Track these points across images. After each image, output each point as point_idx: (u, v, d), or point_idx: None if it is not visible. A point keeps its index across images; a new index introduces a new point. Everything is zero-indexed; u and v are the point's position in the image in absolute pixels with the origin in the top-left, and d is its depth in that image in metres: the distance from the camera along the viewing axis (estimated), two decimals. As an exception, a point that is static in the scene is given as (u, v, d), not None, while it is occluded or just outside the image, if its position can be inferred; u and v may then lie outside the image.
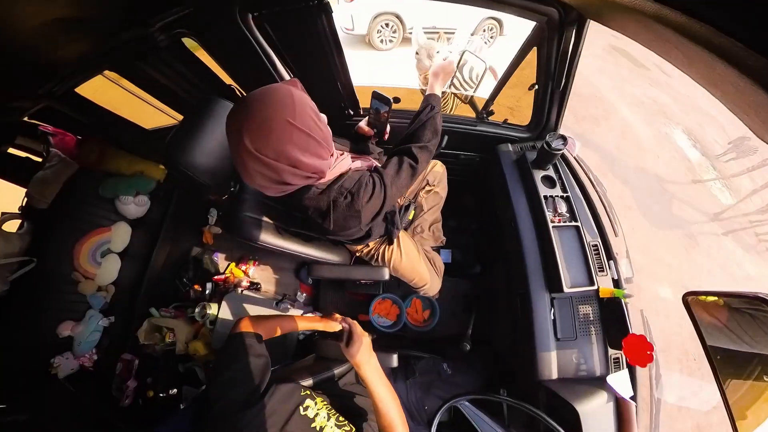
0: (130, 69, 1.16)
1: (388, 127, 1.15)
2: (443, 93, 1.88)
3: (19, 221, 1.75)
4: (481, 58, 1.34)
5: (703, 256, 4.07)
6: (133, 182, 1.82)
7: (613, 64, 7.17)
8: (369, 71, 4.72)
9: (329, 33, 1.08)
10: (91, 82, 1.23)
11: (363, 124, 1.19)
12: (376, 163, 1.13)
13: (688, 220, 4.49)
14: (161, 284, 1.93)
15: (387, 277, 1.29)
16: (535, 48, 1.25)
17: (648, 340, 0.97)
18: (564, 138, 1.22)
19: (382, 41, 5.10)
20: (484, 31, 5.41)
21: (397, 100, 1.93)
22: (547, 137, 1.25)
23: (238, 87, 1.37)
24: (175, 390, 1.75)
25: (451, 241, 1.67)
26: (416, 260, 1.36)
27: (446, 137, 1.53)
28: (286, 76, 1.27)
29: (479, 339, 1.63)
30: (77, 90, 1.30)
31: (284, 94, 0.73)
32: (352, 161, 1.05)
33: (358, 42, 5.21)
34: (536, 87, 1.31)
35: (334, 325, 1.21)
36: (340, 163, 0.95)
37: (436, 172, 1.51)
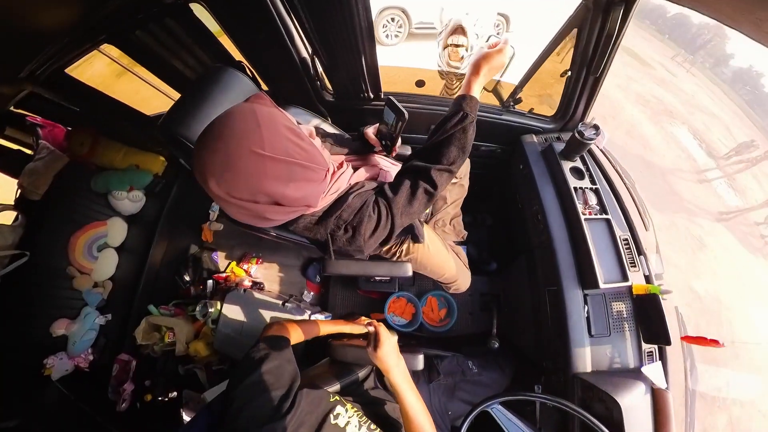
0: (130, 41, 1.07)
1: (399, 142, 0.99)
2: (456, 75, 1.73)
3: (15, 213, 1.67)
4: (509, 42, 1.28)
5: (709, 257, 4.08)
6: (127, 177, 1.74)
7: (618, 63, 7.18)
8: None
9: (362, 8, 0.96)
10: (86, 72, 1.15)
11: (370, 130, 1.01)
12: (384, 168, 1.01)
13: (694, 221, 4.50)
14: (160, 280, 1.85)
15: (410, 273, 1.23)
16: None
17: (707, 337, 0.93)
18: (597, 127, 1.17)
19: (387, 36, 5.04)
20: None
21: (421, 83, 1.86)
22: (579, 126, 1.20)
23: (249, 65, 1.29)
24: (175, 393, 1.68)
25: (466, 236, 1.62)
26: (444, 254, 1.28)
27: None
28: (304, 53, 1.20)
29: (501, 338, 1.59)
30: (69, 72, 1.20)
31: (245, 118, 0.58)
32: (355, 170, 0.91)
33: None
34: (569, 74, 1.26)
35: (360, 328, 1.16)
36: (337, 180, 0.81)
37: (463, 166, 1.45)
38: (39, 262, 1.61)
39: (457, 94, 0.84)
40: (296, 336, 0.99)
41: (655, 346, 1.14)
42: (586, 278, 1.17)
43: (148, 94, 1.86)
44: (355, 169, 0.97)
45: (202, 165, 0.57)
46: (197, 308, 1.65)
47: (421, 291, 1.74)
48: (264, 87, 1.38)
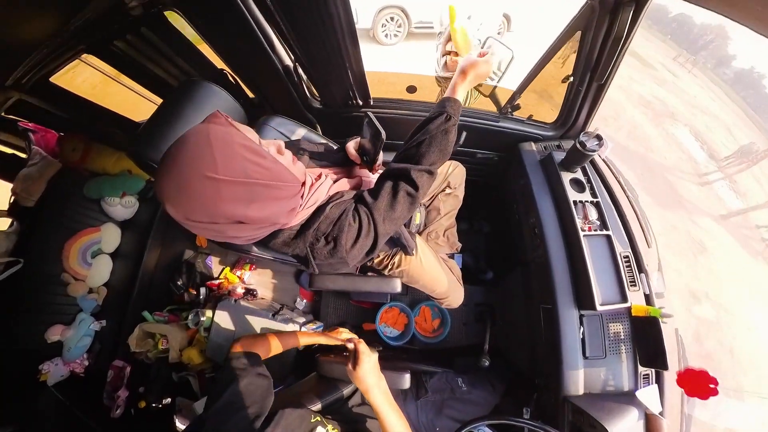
0: (109, 51, 1.00)
1: (381, 159, 0.90)
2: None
3: (10, 220, 1.62)
4: (507, 45, 1.17)
5: (710, 260, 3.93)
6: (119, 182, 1.68)
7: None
8: (373, 66, 4.53)
9: (342, 10, 0.86)
10: (77, 76, 1.09)
11: (351, 145, 0.94)
12: (365, 177, 0.93)
13: (696, 223, 4.35)
14: (154, 286, 1.80)
15: (399, 289, 1.14)
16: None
17: (709, 373, 0.83)
18: (600, 138, 1.07)
19: (386, 36, 4.90)
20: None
21: (412, 89, 1.75)
22: (581, 136, 1.10)
23: (231, 72, 1.20)
24: (168, 399, 1.63)
25: (462, 244, 1.53)
26: (436, 268, 1.21)
27: (464, 134, 1.38)
28: (287, 60, 1.10)
29: (494, 351, 1.52)
30: (55, 80, 1.14)
31: (197, 141, 0.54)
32: (335, 181, 0.85)
33: (361, 36, 5.01)
34: (571, 79, 1.15)
35: (337, 338, 1.09)
36: (315, 192, 0.74)
37: (456, 174, 1.35)
38: (33, 269, 1.56)
39: (443, 96, 0.80)
40: (268, 349, 0.93)
41: (652, 369, 1.06)
42: (583, 298, 1.08)
43: (139, 99, 1.79)
44: (336, 180, 0.89)
45: (159, 189, 0.56)
46: (189, 317, 1.59)
47: (415, 301, 1.66)
48: (250, 95, 1.30)
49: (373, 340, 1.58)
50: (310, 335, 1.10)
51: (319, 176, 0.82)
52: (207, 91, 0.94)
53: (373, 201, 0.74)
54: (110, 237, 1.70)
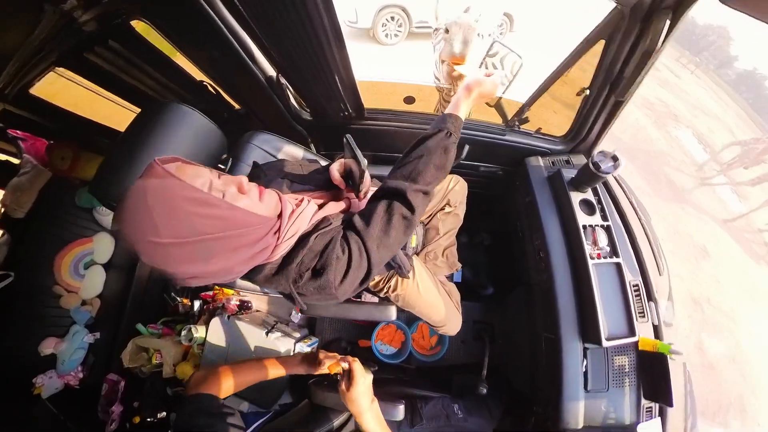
0: (80, 64, 0.89)
1: (367, 184, 0.77)
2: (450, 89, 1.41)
3: (1, 232, 1.55)
4: (516, 51, 1.03)
5: (713, 266, 3.78)
6: None
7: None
8: (372, 67, 4.36)
9: (323, 10, 0.72)
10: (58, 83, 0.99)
11: (336, 168, 0.81)
12: (354, 199, 0.81)
13: (698, 228, 4.18)
14: (148, 297, 1.72)
15: (393, 317, 1.05)
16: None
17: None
18: (616, 158, 0.95)
19: (387, 35, 4.70)
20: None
21: (410, 100, 1.62)
22: (596, 155, 0.98)
23: (211, 83, 1.08)
24: (164, 413, 1.55)
25: (462, 257, 1.42)
26: (433, 294, 1.10)
27: (467, 147, 1.26)
28: (270, 71, 0.98)
29: (492, 368, 1.43)
30: (35, 92, 1.04)
31: (135, 204, 0.47)
32: (320, 206, 0.74)
33: (361, 36, 4.82)
34: (587, 93, 1.02)
35: (321, 370, 0.98)
36: (296, 221, 0.64)
37: (457, 191, 1.22)
38: (24, 282, 1.49)
39: (443, 111, 0.73)
40: (228, 387, 0.81)
41: (654, 403, 0.98)
42: (588, 331, 0.98)
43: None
44: (321, 205, 0.77)
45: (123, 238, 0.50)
46: (182, 333, 1.51)
47: (412, 317, 1.56)
48: (236, 106, 1.18)
49: (369, 357, 1.49)
50: (282, 364, 0.97)
51: (300, 202, 0.71)
52: (177, 114, 0.82)
53: (364, 226, 0.64)
54: (103, 247, 1.62)
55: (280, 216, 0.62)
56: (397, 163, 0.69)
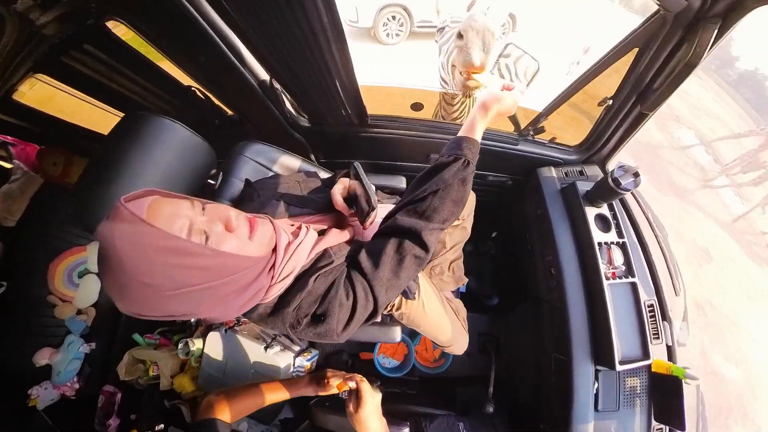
0: (59, 69, 0.81)
1: (374, 216, 0.67)
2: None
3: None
4: (532, 55, 0.96)
5: (715, 269, 3.72)
6: None
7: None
8: (374, 69, 4.25)
9: (324, 10, 0.62)
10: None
11: (338, 192, 0.72)
12: (360, 227, 0.73)
13: (701, 231, 4.12)
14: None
15: (398, 339, 0.99)
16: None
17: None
18: (637, 174, 0.88)
19: (388, 35, 4.59)
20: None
21: (418, 106, 1.52)
22: (616, 171, 0.90)
23: (199, 87, 0.99)
24: (162, 426, 1.50)
25: (467, 266, 1.36)
26: (439, 312, 1.03)
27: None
28: (262, 75, 0.89)
29: (497, 380, 1.38)
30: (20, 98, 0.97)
31: (105, 256, 0.41)
32: (320, 233, 0.67)
33: (362, 36, 4.71)
34: (610, 103, 0.94)
35: (330, 390, 0.93)
36: (293, 257, 0.56)
37: (467, 204, 1.16)
38: (17, 292, 1.43)
39: (458, 134, 0.63)
40: (238, 411, 0.80)
41: (665, 426, 0.93)
42: (601, 353, 0.94)
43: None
44: (322, 231, 0.70)
45: (104, 283, 0.44)
46: (179, 346, 1.45)
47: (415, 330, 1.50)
48: (229, 112, 1.09)
49: (370, 372, 1.43)
50: (295, 388, 0.92)
51: (298, 229, 0.64)
52: (156, 129, 0.72)
53: (372, 268, 0.58)
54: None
55: (274, 250, 0.55)
56: (409, 195, 0.61)
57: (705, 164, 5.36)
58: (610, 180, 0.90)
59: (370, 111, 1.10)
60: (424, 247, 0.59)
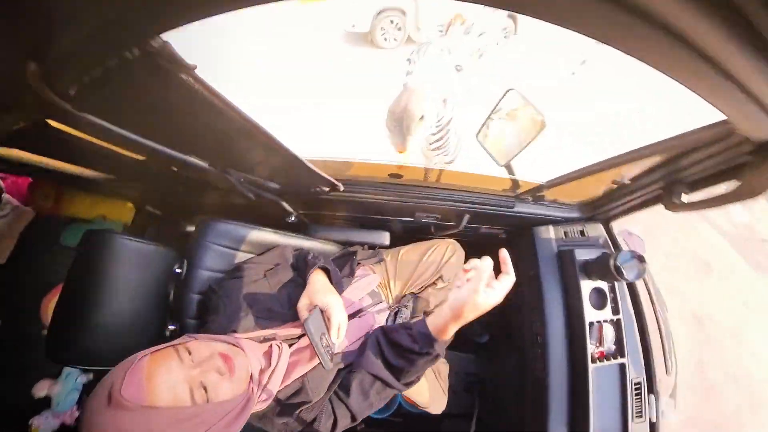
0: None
1: (336, 345, 0.66)
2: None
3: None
4: (535, 107, 0.86)
5: (715, 281, 3.59)
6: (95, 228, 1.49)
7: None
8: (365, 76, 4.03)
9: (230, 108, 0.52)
10: None
11: (305, 308, 0.70)
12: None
13: (702, 241, 3.95)
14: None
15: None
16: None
17: None
18: (642, 259, 0.78)
19: (385, 39, 4.42)
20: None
21: (396, 177, 1.38)
22: (618, 258, 0.81)
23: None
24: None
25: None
26: (420, 381, 1.00)
27: (467, 217, 1.10)
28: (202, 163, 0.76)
29: (480, 423, 1.36)
30: None
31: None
32: (294, 354, 0.67)
33: (359, 41, 4.55)
34: (626, 183, 0.81)
35: None
36: (267, 386, 0.60)
37: (453, 264, 1.07)
38: (11, 330, 1.42)
39: (429, 327, 0.65)
40: None
41: None
42: (576, 426, 0.88)
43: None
44: (293, 344, 0.69)
45: None
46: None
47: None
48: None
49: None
50: None
51: (270, 349, 0.62)
52: (111, 249, 0.70)
53: (353, 401, 0.67)
54: (91, 289, 1.54)
55: (251, 379, 0.57)
56: (380, 358, 0.68)
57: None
58: (612, 268, 0.81)
59: (343, 176, 1.00)
60: (399, 389, 0.69)
